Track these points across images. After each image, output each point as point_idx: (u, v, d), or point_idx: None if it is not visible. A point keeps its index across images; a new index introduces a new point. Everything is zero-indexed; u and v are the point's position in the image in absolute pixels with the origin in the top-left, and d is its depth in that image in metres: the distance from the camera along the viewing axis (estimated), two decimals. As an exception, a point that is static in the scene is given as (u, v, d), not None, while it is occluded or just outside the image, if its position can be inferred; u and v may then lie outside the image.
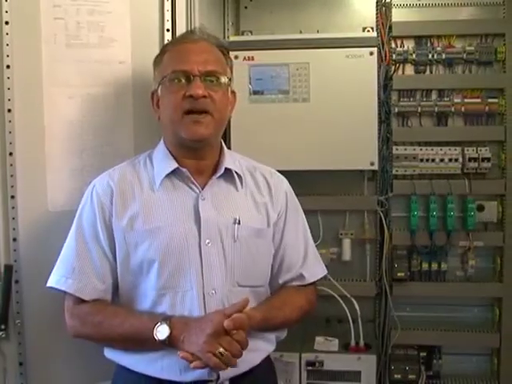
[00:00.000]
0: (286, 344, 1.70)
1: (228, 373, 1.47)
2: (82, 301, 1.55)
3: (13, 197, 1.78)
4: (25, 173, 1.80)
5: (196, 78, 1.52)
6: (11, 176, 1.78)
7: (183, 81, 1.54)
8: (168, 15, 1.93)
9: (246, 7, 2.57)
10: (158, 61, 1.64)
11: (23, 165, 1.79)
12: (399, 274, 2.45)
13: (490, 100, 2.42)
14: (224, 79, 1.58)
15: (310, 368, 2.21)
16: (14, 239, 1.79)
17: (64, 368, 1.86)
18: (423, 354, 2.47)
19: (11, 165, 1.78)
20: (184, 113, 1.53)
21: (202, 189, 1.59)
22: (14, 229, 1.79)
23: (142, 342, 1.48)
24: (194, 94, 1.51)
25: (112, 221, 1.56)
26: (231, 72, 1.65)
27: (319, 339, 2.32)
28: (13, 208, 1.78)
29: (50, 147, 1.83)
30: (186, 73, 1.54)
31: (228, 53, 1.68)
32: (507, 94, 2.40)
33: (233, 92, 1.66)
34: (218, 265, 1.54)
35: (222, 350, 1.40)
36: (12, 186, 1.78)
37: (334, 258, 2.51)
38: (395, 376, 2.40)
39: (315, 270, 1.73)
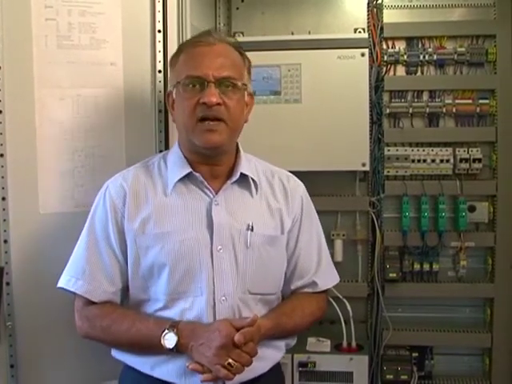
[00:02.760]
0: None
1: (234, 381, 1.44)
2: (92, 302, 1.53)
3: (4, 198, 1.77)
4: (16, 174, 1.79)
5: (210, 85, 1.47)
6: (2, 178, 1.77)
7: (197, 86, 1.48)
8: (159, 16, 1.92)
9: (237, 8, 2.57)
10: (173, 61, 1.57)
11: (14, 166, 1.78)
12: (391, 275, 2.46)
13: (481, 101, 2.44)
14: (240, 84, 1.52)
15: (302, 369, 2.21)
16: (5, 241, 1.78)
17: (55, 370, 1.85)
18: (415, 354, 2.49)
19: (2, 166, 1.77)
20: (198, 120, 1.48)
21: (216, 194, 1.55)
22: (4, 231, 1.77)
23: (149, 348, 1.47)
24: (207, 101, 1.45)
25: (124, 223, 1.53)
26: (249, 73, 1.59)
27: (311, 340, 2.32)
28: (4, 210, 1.77)
29: (41, 149, 1.82)
30: (200, 79, 1.48)
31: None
32: (498, 94, 2.42)
33: (250, 94, 1.59)
34: (230, 271, 1.50)
35: (231, 361, 1.38)
36: (3, 188, 1.77)
37: (327, 259, 2.52)
38: (387, 376, 2.42)
39: (328, 277, 1.69)
